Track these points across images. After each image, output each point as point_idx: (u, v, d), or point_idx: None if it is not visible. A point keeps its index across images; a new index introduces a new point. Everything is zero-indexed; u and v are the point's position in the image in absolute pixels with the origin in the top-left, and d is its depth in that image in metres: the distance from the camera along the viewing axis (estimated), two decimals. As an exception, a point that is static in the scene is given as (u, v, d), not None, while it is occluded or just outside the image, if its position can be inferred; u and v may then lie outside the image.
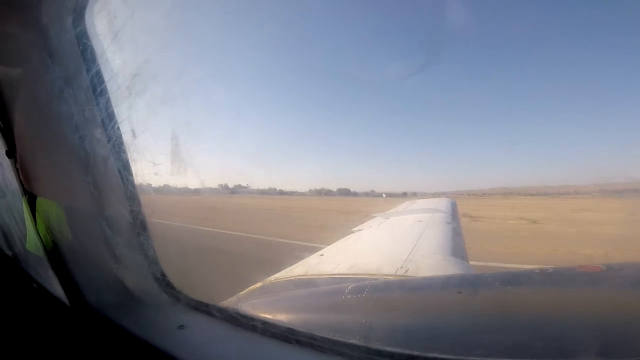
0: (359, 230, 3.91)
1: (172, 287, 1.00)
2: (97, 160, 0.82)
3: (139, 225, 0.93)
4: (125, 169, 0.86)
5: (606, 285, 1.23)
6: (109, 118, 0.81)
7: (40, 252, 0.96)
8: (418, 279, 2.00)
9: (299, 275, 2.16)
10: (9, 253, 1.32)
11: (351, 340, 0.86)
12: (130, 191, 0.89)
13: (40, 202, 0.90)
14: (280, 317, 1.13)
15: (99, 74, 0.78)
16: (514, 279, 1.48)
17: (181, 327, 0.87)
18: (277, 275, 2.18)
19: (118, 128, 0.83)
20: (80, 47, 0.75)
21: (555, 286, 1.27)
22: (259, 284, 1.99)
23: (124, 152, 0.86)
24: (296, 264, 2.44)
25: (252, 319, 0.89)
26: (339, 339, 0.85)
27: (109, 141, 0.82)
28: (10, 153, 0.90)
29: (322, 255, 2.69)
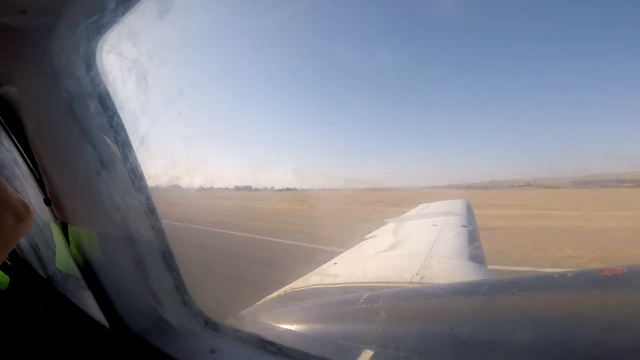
0: (372, 237, 3.88)
1: (202, 313, 1.06)
2: (122, 194, 0.89)
3: (167, 255, 1.00)
4: (147, 200, 0.93)
5: (628, 288, 1.19)
6: (129, 151, 0.88)
7: (79, 277, 1.04)
8: (434, 286, 1.97)
9: (314, 285, 2.17)
10: (44, 274, 1.41)
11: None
12: (155, 223, 0.95)
13: (72, 230, 0.98)
14: (303, 334, 1.17)
15: (116, 114, 0.85)
16: (532, 284, 1.45)
17: (213, 351, 0.92)
18: (292, 284, 2.20)
19: (137, 162, 0.90)
20: (95, 89, 0.82)
21: (575, 290, 1.25)
22: (275, 294, 2.02)
23: (145, 187, 0.93)
24: (310, 273, 2.45)
25: (276, 343, 0.93)
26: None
27: (129, 174, 0.88)
28: (48, 201, 0.98)
29: (335, 263, 2.70)
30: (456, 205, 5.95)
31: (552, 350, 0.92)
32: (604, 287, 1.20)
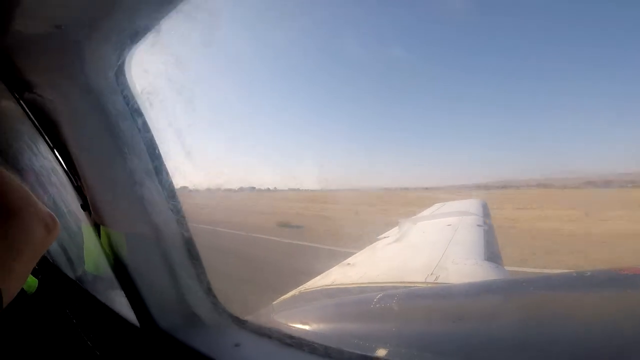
0: (385, 237, 3.87)
1: (226, 309, 1.11)
2: (152, 196, 0.95)
3: (192, 252, 1.05)
4: (175, 204, 0.99)
5: None
6: (158, 156, 0.94)
7: (110, 278, 1.10)
8: (449, 286, 1.96)
9: (327, 285, 2.19)
10: (72, 276, 1.49)
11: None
12: (182, 223, 1.01)
13: (106, 232, 1.04)
14: (320, 331, 1.19)
15: (145, 122, 0.91)
16: (550, 283, 1.43)
17: (237, 345, 0.97)
18: (306, 285, 2.22)
19: (167, 169, 0.96)
20: (127, 100, 0.88)
21: (594, 290, 1.22)
22: (289, 294, 2.05)
23: (174, 191, 0.99)
24: (324, 273, 2.47)
25: (295, 337, 0.97)
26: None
27: (159, 180, 0.94)
28: (85, 206, 1.05)
29: (349, 264, 2.71)
30: (472, 204, 5.83)
31: (571, 350, 0.91)
32: (624, 286, 1.17)
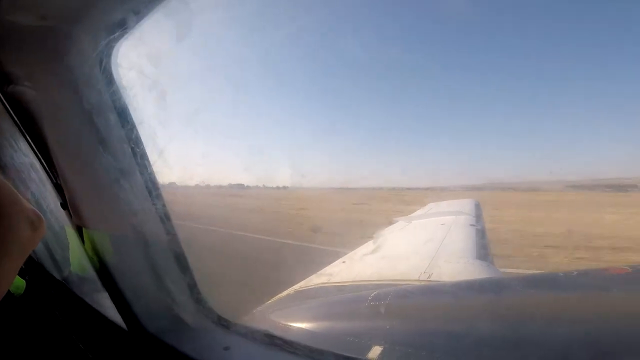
0: (380, 236, 3.89)
1: (215, 312, 1.10)
2: (137, 199, 0.93)
3: (179, 254, 1.04)
4: (161, 204, 0.97)
5: (633, 286, 1.20)
6: (144, 155, 0.92)
7: (95, 279, 1.08)
8: (442, 284, 1.99)
9: (323, 284, 2.21)
10: (59, 277, 1.45)
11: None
12: (167, 224, 0.99)
13: (88, 233, 1.00)
14: (313, 332, 1.19)
15: (130, 119, 0.89)
16: (538, 283, 1.47)
17: (226, 348, 0.96)
18: (302, 283, 2.23)
19: (152, 167, 0.95)
20: (111, 94, 0.85)
21: (581, 289, 1.26)
22: (285, 293, 2.06)
23: (159, 191, 0.97)
24: (319, 272, 2.49)
25: (287, 340, 0.97)
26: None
27: (144, 179, 0.92)
28: (64, 205, 1.00)
29: (344, 262, 2.73)
30: (465, 204, 5.89)
31: (558, 348, 0.94)
32: (609, 286, 1.21)
